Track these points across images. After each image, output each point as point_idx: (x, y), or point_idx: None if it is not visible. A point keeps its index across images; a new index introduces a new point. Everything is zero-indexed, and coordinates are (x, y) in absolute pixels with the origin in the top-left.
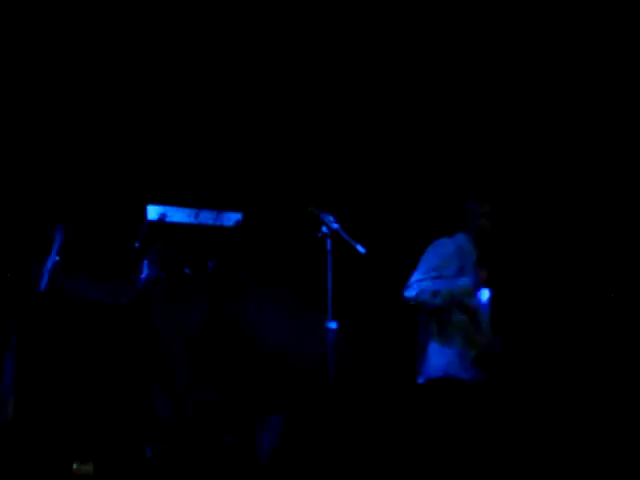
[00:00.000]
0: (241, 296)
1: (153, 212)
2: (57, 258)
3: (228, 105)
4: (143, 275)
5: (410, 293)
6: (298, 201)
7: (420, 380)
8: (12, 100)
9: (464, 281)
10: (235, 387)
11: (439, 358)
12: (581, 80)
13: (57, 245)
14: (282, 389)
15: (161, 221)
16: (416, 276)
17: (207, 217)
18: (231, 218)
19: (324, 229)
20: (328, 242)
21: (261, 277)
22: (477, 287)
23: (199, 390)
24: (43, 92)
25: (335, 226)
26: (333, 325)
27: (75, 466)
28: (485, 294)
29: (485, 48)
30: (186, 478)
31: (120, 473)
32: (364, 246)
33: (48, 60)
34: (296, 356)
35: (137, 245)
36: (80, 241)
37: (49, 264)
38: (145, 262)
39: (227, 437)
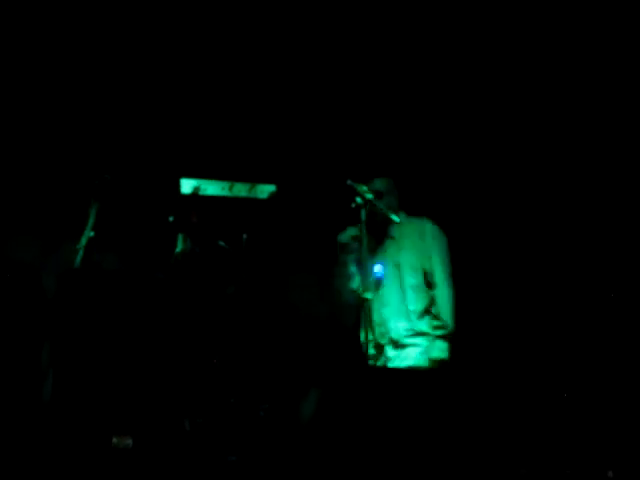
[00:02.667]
0: (276, 267)
1: (187, 185)
2: (92, 234)
3: (260, 78)
4: (177, 249)
5: None
6: (331, 172)
7: None
8: (44, 76)
9: None
10: (273, 358)
11: None
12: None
13: (91, 221)
14: (318, 360)
15: (195, 194)
16: None
17: (241, 189)
18: (265, 190)
19: (358, 199)
20: (362, 212)
21: (295, 248)
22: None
23: (236, 362)
24: (75, 68)
25: (369, 196)
26: (369, 295)
27: (114, 440)
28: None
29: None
30: (224, 450)
31: (159, 446)
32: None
33: (79, 36)
34: (332, 327)
35: (171, 219)
36: (114, 216)
37: (83, 240)
38: (179, 235)
39: (264, 408)
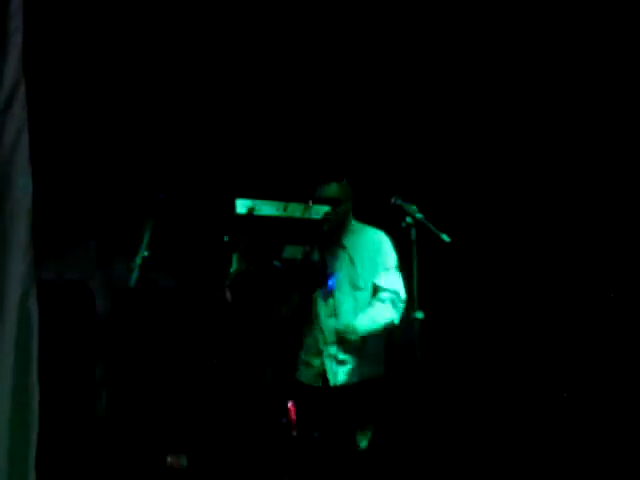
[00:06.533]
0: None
1: (242, 205)
2: (146, 253)
3: (310, 100)
4: (232, 269)
5: None
6: (382, 192)
7: None
8: (103, 94)
9: None
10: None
11: None
12: None
13: (146, 239)
14: None
15: (249, 214)
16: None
17: (295, 210)
18: (319, 211)
19: (408, 219)
20: (412, 232)
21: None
22: None
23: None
24: (131, 86)
25: (419, 216)
26: (420, 315)
27: (169, 459)
28: None
29: None
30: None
31: (213, 465)
32: (449, 235)
33: (138, 57)
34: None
35: (226, 239)
36: (169, 235)
37: (138, 259)
38: (234, 256)
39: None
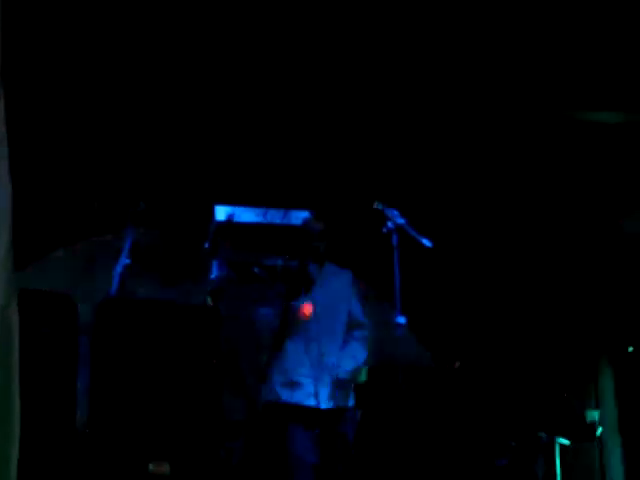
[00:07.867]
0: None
1: (221, 212)
2: (127, 261)
3: (291, 105)
4: (213, 275)
5: None
6: (363, 197)
7: None
8: (83, 101)
9: None
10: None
11: None
12: None
13: (127, 248)
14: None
15: (229, 221)
16: None
17: (275, 216)
18: (299, 217)
19: (389, 224)
20: (394, 237)
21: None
22: None
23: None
24: (112, 94)
25: (400, 221)
26: (402, 320)
27: (151, 467)
28: None
29: None
30: (260, 476)
31: (195, 473)
32: (430, 239)
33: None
34: None
35: (206, 246)
36: (149, 243)
37: (119, 267)
38: (215, 263)
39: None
